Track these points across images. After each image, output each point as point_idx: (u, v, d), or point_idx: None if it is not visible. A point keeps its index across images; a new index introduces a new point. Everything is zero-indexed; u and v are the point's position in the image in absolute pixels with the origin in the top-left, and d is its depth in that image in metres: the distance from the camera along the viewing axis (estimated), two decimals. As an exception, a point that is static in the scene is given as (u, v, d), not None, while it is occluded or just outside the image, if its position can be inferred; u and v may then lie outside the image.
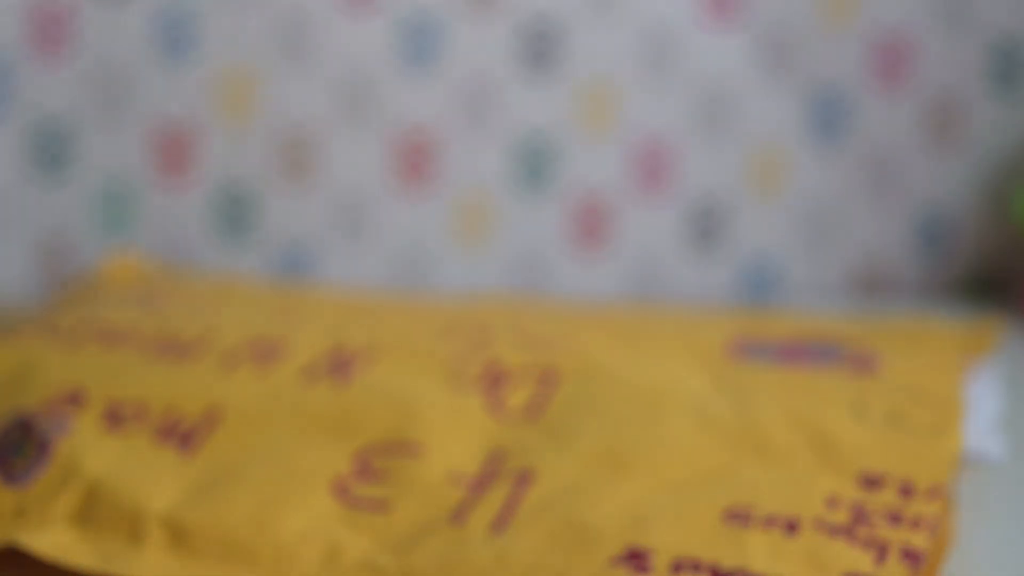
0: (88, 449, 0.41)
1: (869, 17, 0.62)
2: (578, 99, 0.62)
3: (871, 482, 0.40)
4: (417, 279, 0.62)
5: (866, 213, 0.63)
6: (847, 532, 0.37)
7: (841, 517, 0.38)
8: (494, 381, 0.44)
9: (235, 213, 0.61)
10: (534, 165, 0.62)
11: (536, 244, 0.63)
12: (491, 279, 0.63)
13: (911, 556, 0.36)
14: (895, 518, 0.38)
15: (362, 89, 0.61)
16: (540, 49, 0.62)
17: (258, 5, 0.60)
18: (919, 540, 0.37)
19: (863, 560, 0.36)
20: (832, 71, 0.62)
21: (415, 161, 0.62)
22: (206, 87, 0.60)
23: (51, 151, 0.60)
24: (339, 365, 0.45)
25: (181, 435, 0.42)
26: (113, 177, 0.61)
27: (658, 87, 0.62)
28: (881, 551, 0.36)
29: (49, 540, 0.38)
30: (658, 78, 0.62)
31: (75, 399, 0.43)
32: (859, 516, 0.38)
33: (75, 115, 0.60)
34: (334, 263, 0.62)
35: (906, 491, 0.39)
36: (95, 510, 0.39)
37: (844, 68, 0.62)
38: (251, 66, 0.61)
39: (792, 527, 0.37)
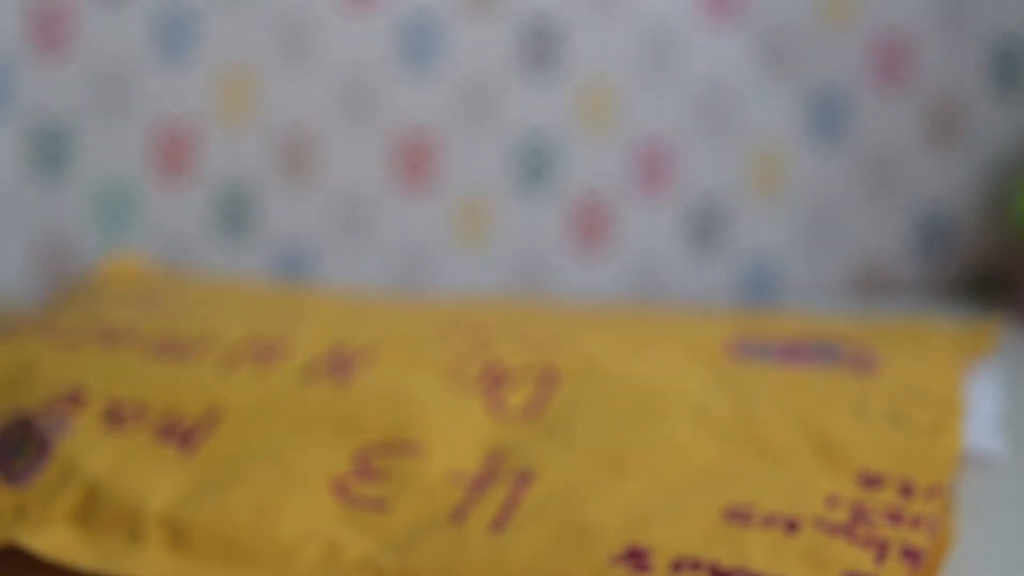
0: (88, 448, 0.41)
1: (869, 17, 0.62)
2: (578, 99, 0.62)
3: (871, 481, 0.40)
4: (417, 279, 0.62)
5: (866, 213, 0.63)
6: (847, 531, 0.37)
7: (841, 516, 0.38)
8: (494, 381, 0.44)
9: (235, 213, 0.61)
10: (534, 165, 0.62)
11: (536, 244, 0.63)
12: (491, 279, 0.63)
13: (911, 555, 0.36)
14: (895, 517, 0.38)
15: (362, 89, 0.61)
16: (540, 49, 0.62)
17: (258, 5, 0.60)
18: (919, 539, 0.37)
19: (863, 559, 0.36)
20: (832, 71, 0.62)
21: (415, 161, 0.62)
22: (206, 87, 0.60)
23: (51, 151, 0.60)
24: (339, 365, 0.45)
25: (181, 434, 0.42)
26: (113, 177, 0.61)
27: (658, 87, 0.62)
28: (881, 550, 0.36)
29: (49, 539, 0.38)
30: (658, 78, 0.62)
31: (75, 399, 0.43)
32: (859, 515, 0.38)
33: (75, 115, 0.60)
34: (334, 263, 0.62)
35: (906, 490, 0.39)
36: (95, 509, 0.39)
37: (844, 68, 0.62)
38: (251, 66, 0.61)
39: (792, 526, 0.37)
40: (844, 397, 0.44)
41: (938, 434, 0.42)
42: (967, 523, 0.41)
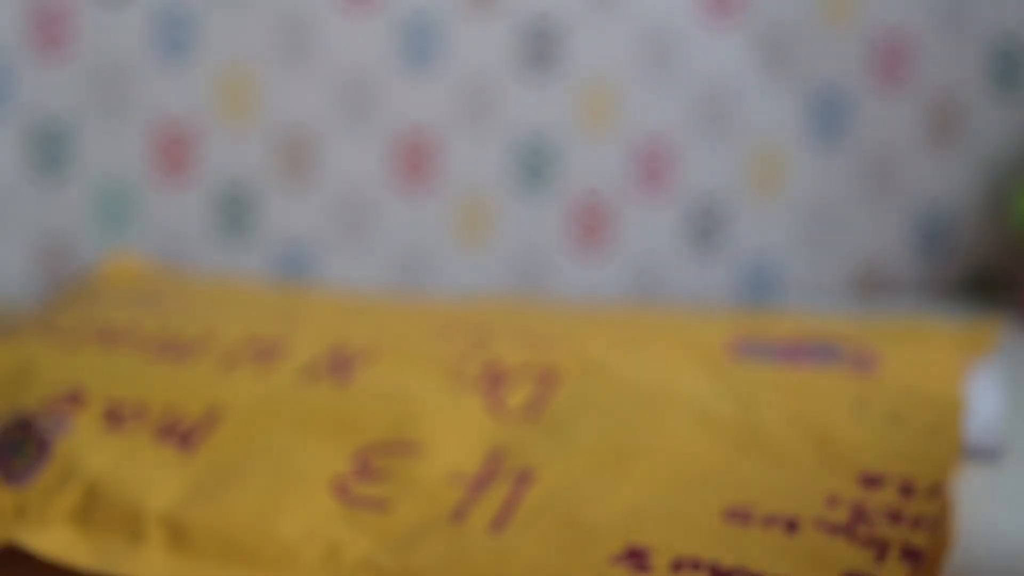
0: (88, 448, 0.41)
1: (869, 17, 0.62)
2: (578, 99, 0.62)
3: (871, 481, 0.40)
4: (417, 279, 0.62)
5: (866, 213, 0.63)
6: (847, 531, 0.37)
7: (841, 516, 0.38)
8: (494, 381, 0.44)
9: (235, 213, 0.61)
10: (534, 165, 0.62)
11: (536, 244, 0.63)
12: (491, 279, 0.63)
13: (911, 555, 0.36)
14: (895, 517, 0.38)
15: (362, 89, 0.61)
16: (540, 49, 0.62)
17: (258, 5, 0.60)
18: (919, 539, 0.37)
19: (863, 559, 0.36)
20: (832, 71, 0.62)
21: (415, 161, 0.62)
22: (206, 87, 0.61)
23: (51, 151, 0.60)
24: (339, 364, 0.45)
25: (181, 434, 0.42)
26: (113, 177, 0.61)
27: (658, 87, 0.62)
28: (881, 550, 0.36)
29: (49, 539, 0.38)
30: (658, 78, 0.62)
31: (75, 398, 0.43)
32: (859, 515, 0.38)
33: (75, 115, 0.60)
34: (334, 263, 0.62)
35: (906, 490, 0.39)
36: (95, 509, 0.39)
37: (844, 68, 0.62)
38: (251, 66, 0.61)
39: (792, 526, 0.37)
40: (844, 397, 0.44)
41: (938, 434, 0.42)
42: (967, 523, 0.40)
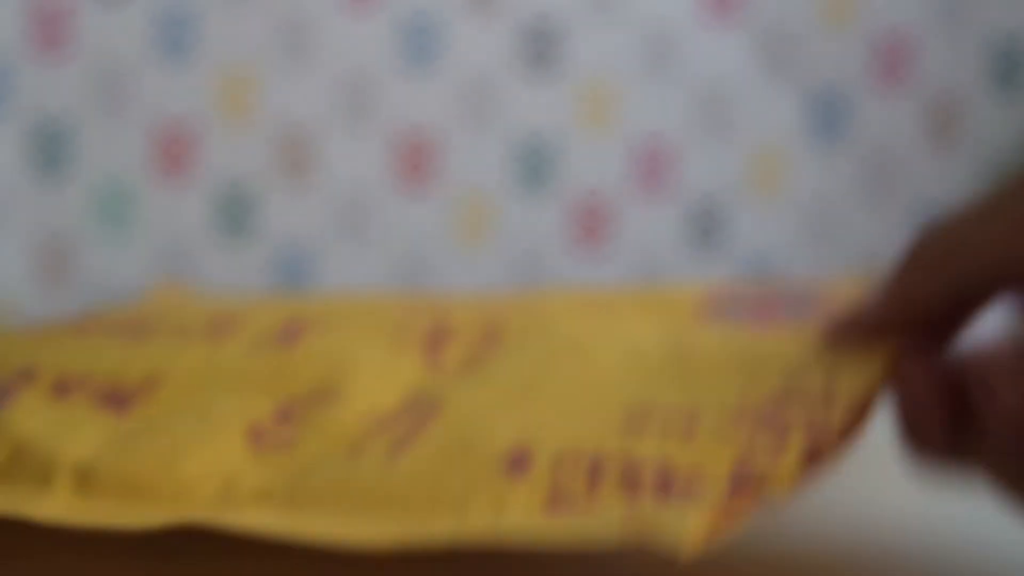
0: (26, 416, 0.41)
1: (869, 17, 0.62)
2: (578, 99, 0.62)
3: (778, 406, 0.38)
4: (418, 279, 0.62)
5: (866, 212, 0.63)
6: (747, 430, 0.37)
7: (744, 426, 0.37)
8: (437, 338, 0.44)
9: (235, 213, 0.62)
10: (534, 165, 0.62)
11: (537, 243, 0.63)
12: (491, 279, 0.63)
13: (810, 453, 0.35)
14: (809, 424, 0.37)
15: (362, 89, 0.61)
16: (540, 49, 0.62)
17: (258, 5, 0.60)
18: (820, 443, 0.36)
19: (759, 448, 0.35)
20: (832, 71, 0.62)
21: (415, 161, 0.62)
22: (206, 87, 0.61)
23: (51, 151, 0.60)
24: (289, 335, 0.45)
25: (119, 399, 0.42)
26: (113, 177, 0.61)
27: (658, 87, 0.62)
28: (781, 440, 0.36)
29: None
30: (658, 78, 0.62)
31: (27, 374, 0.43)
32: (764, 421, 0.37)
33: (75, 115, 0.60)
34: (334, 262, 0.62)
35: (824, 398, 0.38)
36: (17, 465, 0.39)
37: (844, 68, 0.62)
38: (251, 66, 0.61)
39: (689, 431, 0.37)
40: (796, 357, 0.43)
41: (865, 373, 0.40)
42: (963, 518, 0.40)
